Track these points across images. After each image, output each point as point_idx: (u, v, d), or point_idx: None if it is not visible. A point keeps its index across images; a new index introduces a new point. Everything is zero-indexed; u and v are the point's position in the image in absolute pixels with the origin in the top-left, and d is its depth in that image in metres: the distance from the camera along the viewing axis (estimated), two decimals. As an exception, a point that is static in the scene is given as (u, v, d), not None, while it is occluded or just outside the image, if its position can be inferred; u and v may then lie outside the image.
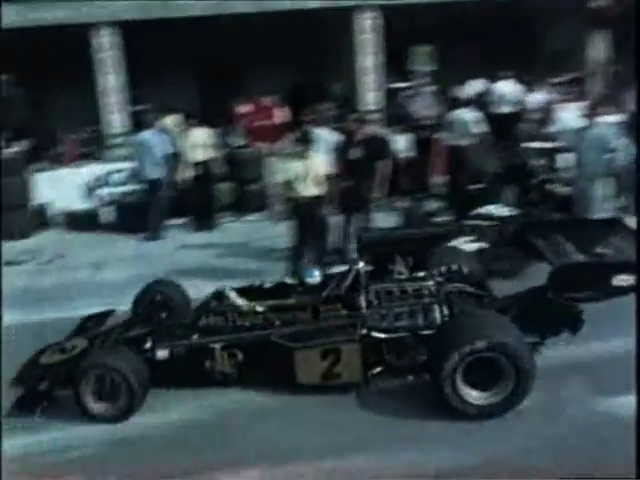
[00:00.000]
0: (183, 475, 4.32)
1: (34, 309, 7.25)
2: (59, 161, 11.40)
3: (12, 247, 9.92)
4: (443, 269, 5.92)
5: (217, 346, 5.24)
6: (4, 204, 10.31)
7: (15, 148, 11.19)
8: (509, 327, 4.85)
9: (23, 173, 10.72)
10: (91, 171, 11.15)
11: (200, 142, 10.05)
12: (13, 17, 10.53)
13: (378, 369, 5.13)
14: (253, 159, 10.83)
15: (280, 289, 5.94)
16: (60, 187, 10.95)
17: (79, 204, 10.97)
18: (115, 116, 11.30)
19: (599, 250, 5.48)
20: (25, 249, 9.75)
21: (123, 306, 6.37)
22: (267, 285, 6.04)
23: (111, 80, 11.14)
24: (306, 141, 7.45)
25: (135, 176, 10.72)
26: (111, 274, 8.59)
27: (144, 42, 10.86)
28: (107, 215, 10.78)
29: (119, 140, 11.36)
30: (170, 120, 10.65)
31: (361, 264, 5.70)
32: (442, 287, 5.59)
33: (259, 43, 11.54)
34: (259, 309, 5.60)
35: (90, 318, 6.23)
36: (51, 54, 10.73)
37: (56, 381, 5.19)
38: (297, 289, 5.86)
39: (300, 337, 5.20)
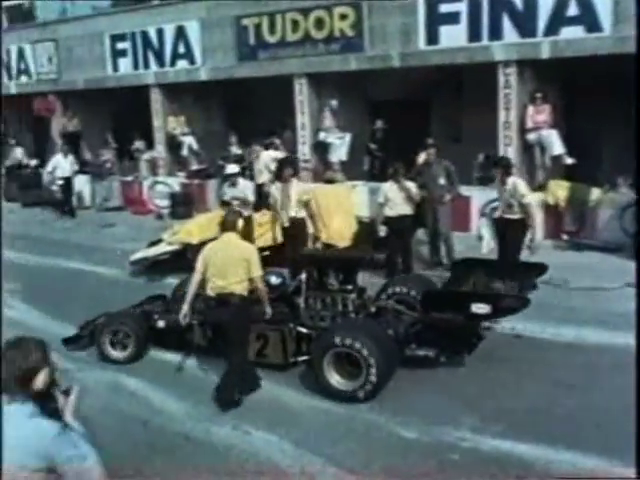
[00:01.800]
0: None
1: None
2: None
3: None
4: (390, 290, 7.28)
5: (195, 322, 6.82)
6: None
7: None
8: (374, 333, 6.09)
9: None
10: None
11: None
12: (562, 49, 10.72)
13: (303, 357, 6.56)
14: None
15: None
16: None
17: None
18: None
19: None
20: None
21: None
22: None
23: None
24: None
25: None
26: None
27: None
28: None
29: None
30: None
31: (303, 275, 7.10)
32: (369, 302, 7.04)
33: None
34: None
35: (153, 297, 8.03)
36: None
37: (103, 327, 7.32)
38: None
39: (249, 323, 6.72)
